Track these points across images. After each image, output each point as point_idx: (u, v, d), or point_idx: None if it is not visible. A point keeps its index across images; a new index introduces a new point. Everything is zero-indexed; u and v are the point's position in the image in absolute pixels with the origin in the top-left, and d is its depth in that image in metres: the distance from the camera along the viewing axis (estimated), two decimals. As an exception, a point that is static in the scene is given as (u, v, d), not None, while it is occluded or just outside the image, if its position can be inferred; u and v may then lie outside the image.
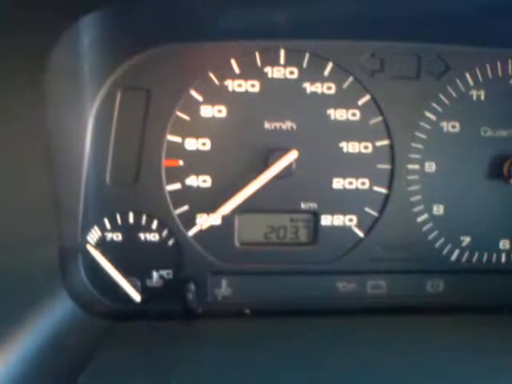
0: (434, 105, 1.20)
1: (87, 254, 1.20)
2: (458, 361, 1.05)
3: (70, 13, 0.97)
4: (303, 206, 1.22)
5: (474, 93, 1.21)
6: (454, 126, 1.21)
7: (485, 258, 1.27)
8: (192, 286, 1.19)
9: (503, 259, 1.27)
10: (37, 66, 0.97)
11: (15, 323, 0.98)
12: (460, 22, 1.13)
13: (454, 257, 1.26)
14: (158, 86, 1.16)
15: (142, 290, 1.22)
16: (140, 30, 1.11)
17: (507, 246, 1.26)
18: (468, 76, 1.20)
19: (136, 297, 1.21)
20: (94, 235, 1.21)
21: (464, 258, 1.26)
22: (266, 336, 1.13)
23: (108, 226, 1.21)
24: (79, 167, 1.16)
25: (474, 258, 1.27)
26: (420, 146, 1.21)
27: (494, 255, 1.27)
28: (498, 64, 1.20)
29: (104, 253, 1.20)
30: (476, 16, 1.10)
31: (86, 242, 1.21)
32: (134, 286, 1.21)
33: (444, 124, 1.21)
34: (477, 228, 1.25)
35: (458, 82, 1.20)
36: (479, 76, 1.20)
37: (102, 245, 1.21)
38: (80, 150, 1.16)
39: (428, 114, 1.20)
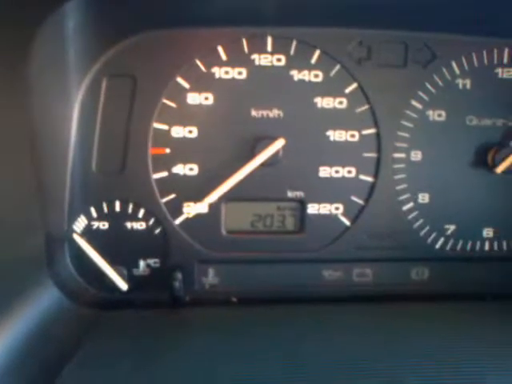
0: (421, 93, 1.21)
1: (73, 242, 1.20)
2: (442, 347, 1.07)
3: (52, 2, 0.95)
4: (290, 194, 1.22)
5: (459, 81, 1.21)
6: (440, 115, 1.22)
7: (469, 246, 1.28)
8: (179, 275, 1.19)
9: (487, 247, 1.29)
10: (21, 52, 0.95)
11: (1, 312, 0.97)
12: (446, 11, 1.13)
13: (438, 245, 1.27)
14: (144, 73, 1.15)
15: (129, 278, 1.22)
16: (125, 15, 1.10)
17: (491, 235, 1.27)
18: (454, 65, 1.21)
19: (123, 285, 1.20)
20: (80, 224, 1.20)
21: (448, 246, 1.28)
22: (253, 324, 1.14)
23: (94, 214, 1.20)
24: (65, 155, 1.15)
25: (459, 246, 1.28)
26: (406, 135, 1.22)
27: (478, 243, 1.28)
28: (484, 53, 1.21)
29: (90, 241, 1.20)
30: (462, 4, 1.10)
31: (72, 230, 1.20)
32: (121, 274, 1.21)
33: (430, 113, 1.21)
34: (461, 216, 1.26)
35: (444, 70, 1.21)
36: (465, 65, 1.21)
37: (88, 233, 1.20)
38: (66, 138, 1.14)
39: (414, 103, 1.21)
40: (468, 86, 1.21)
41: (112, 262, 1.20)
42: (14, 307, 1.01)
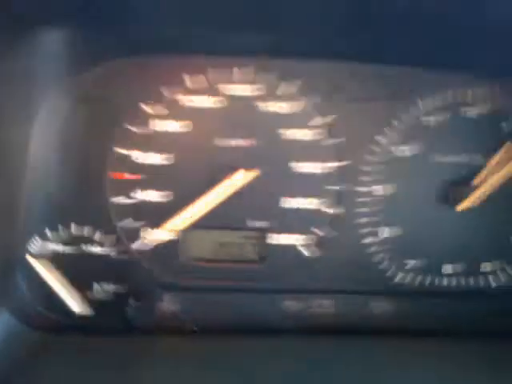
0: (386, 129, 1.21)
1: (27, 263, 1.17)
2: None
3: (26, 24, 0.94)
4: (251, 223, 1.21)
5: (425, 119, 1.21)
6: (403, 151, 1.22)
7: (428, 281, 1.28)
8: (134, 301, 1.17)
9: (445, 282, 1.29)
10: None
11: None
12: (414, 47, 1.13)
13: (397, 279, 1.27)
14: (108, 97, 1.13)
15: (84, 302, 1.19)
16: (95, 43, 1.08)
17: (450, 270, 1.28)
18: (420, 102, 1.21)
19: (76, 309, 1.18)
20: (35, 245, 1.18)
21: (407, 280, 1.28)
22: (212, 354, 1.12)
23: (50, 236, 1.17)
24: (21, 175, 1.12)
25: (417, 281, 1.28)
26: (370, 169, 1.22)
27: (437, 279, 1.28)
28: (449, 91, 1.21)
29: (44, 263, 1.17)
30: (429, 40, 1.11)
31: (27, 251, 1.17)
32: (75, 298, 1.18)
33: (393, 148, 1.21)
34: (422, 251, 1.26)
35: (410, 107, 1.21)
36: (431, 102, 1.21)
37: (42, 255, 1.18)
38: (22, 159, 1.12)
39: (379, 138, 1.21)
40: (433, 124, 1.22)
41: (67, 286, 1.17)
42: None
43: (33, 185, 1.14)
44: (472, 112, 1.22)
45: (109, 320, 1.18)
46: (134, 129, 1.15)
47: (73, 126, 1.13)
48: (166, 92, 1.14)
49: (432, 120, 1.21)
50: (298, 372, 1.08)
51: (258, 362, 1.10)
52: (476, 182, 1.22)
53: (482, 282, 1.29)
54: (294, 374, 1.08)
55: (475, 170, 1.23)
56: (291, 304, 1.26)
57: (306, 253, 1.24)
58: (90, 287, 1.20)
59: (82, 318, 1.19)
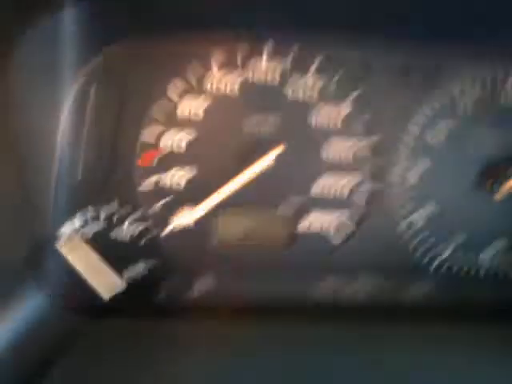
0: (423, 107, 1.15)
1: (58, 249, 1.18)
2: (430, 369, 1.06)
3: (40, 9, 0.93)
4: (281, 209, 1.19)
5: (462, 105, 1.16)
6: (440, 130, 1.17)
7: (465, 268, 1.26)
8: (168, 284, 1.18)
9: (482, 271, 1.26)
10: (4, 60, 0.93)
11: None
12: (459, 29, 1.06)
13: (434, 266, 1.25)
14: (134, 82, 1.10)
15: (116, 283, 1.21)
16: (116, 22, 1.05)
17: (488, 255, 1.25)
18: (458, 79, 1.14)
19: (106, 295, 1.20)
20: (65, 230, 1.19)
21: (444, 268, 1.25)
22: (246, 335, 1.13)
23: (80, 222, 1.18)
24: (50, 162, 1.12)
25: (455, 268, 1.25)
26: (405, 146, 1.17)
27: (474, 267, 1.26)
28: (488, 79, 1.14)
29: (76, 248, 1.18)
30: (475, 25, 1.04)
31: (58, 237, 1.18)
32: (107, 281, 1.20)
33: (430, 133, 1.16)
34: (458, 239, 1.23)
35: (447, 84, 1.15)
36: (469, 88, 1.15)
37: (73, 240, 1.19)
38: (51, 146, 1.11)
39: (415, 115, 1.15)
40: (469, 111, 1.16)
41: (98, 269, 1.19)
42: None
43: (62, 172, 1.13)
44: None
45: (140, 302, 1.20)
46: (161, 114, 1.12)
47: (100, 112, 1.11)
48: (192, 76, 1.11)
49: (469, 107, 1.15)
50: (328, 358, 1.08)
51: (285, 348, 1.10)
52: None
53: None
54: (324, 360, 1.07)
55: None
56: (321, 289, 1.26)
57: (337, 239, 1.22)
58: (120, 273, 1.21)
59: (113, 302, 1.21)
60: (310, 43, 1.11)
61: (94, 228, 1.19)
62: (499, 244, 1.25)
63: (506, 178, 1.17)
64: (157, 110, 1.12)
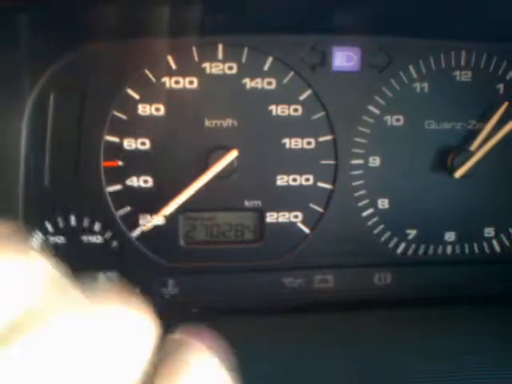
0: (377, 98, 1.19)
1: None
2: (405, 354, 1.07)
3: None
4: (247, 203, 1.21)
5: (417, 85, 1.19)
6: (397, 120, 1.20)
7: (431, 251, 1.27)
8: (137, 288, 1.18)
9: (449, 251, 1.28)
10: None
11: None
12: (402, 14, 1.11)
13: (400, 250, 1.26)
14: (93, 85, 1.12)
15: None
16: (69, 28, 1.07)
17: (452, 238, 1.26)
18: (411, 68, 1.19)
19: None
20: (36, 239, 1.19)
21: (410, 251, 1.27)
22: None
23: (50, 229, 1.19)
24: (16, 171, 1.13)
25: (421, 251, 1.27)
26: (363, 141, 1.20)
27: (440, 247, 1.27)
28: (442, 56, 1.19)
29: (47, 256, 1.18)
30: (418, 7, 1.08)
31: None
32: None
33: (388, 118, 1.20)
34: (422, 221, 1.25)
35: (401, 74, 1.19)
36: (422, 68, 1.19)
37: (44, 248, 1.19)
38: (15, 154, 1.12)
39: (371, 108, 1.19)
40: (426, 90, 1.19)
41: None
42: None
43: (29, 180, 1.14)
44: (466, 76, 1.20)
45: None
46: (122, 115, 1.14)
47: (61, 117, 1.13)
48: (150, 75, 1.13)
49: (425, 86, 1.19)
50: (301, 349, 1.08)
51: (259, 340, 1.10)
52: (473, 147, 1.20)
53: (486, 248, 1.28)
54: (296, 351, 1.07)
55: (472, 136, 1.21)
56: (291, 281, 1.26)
57: (304, 229, 1.23)
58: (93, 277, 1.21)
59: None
60: (258, 46, 1.14)
61: (64, 234, 1.19)
62: (464, 224, 1.27)
63: (467, 157, 1.20)
64: (118, 110, 1.14)
